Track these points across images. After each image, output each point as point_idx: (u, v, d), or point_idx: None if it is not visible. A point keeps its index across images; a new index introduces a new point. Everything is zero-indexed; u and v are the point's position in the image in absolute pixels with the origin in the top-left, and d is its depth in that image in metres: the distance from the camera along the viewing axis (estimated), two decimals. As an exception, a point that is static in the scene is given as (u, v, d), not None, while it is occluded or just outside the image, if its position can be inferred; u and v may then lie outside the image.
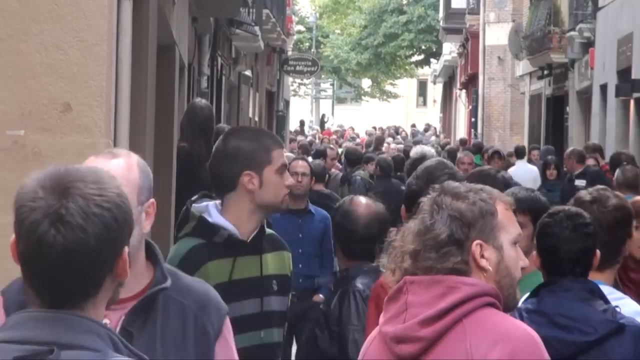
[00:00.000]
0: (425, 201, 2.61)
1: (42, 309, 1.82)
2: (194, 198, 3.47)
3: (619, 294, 3.69)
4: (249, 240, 3.42)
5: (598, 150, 13.64)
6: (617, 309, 3.42)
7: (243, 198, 3.39)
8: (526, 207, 3.86)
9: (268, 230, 3.52)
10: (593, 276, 3.53)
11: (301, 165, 8.08)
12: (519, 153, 16.42)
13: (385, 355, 2.54)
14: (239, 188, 3.39)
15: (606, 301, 3.43)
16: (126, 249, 1.87)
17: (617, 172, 8.62)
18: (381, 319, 2.57)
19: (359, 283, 4.04)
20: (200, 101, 7.53)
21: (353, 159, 13.70)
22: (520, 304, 3.43)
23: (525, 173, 13.92)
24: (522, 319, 3.27)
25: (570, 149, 13.08)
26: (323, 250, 7.72)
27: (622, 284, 4.09)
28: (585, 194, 3.83)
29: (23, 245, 1.81)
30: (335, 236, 4.34)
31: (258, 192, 3.40)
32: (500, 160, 11.21)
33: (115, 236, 1.83)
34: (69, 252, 1.79)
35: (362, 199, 4.37)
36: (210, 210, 3.41)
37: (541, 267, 3.56)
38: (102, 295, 1.86)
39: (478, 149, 17.44)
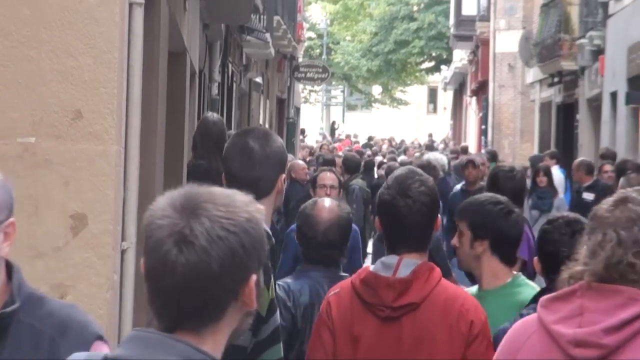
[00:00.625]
0: (614, 212, 2.66)
1: (153, 330, 1.76)
2: None
3: None
4: None
5: (613, 157, 13.51)
6: None
7: (272, 202, 3.26)
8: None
9: None
10: None
11: (329, 178, 7.95)
12: (553, 157, 16.15)
13: (555, 354, 2.59)
14: (273, 192, 3.25)
15: None
16: (254, 277, 1.78)
17: (622, 180, 8.65)
18: (546, 315, 2.62)
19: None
20: (212, 115, 7.44)
21: (351, 166, 13.31)
22: (523, 309, 3.58)
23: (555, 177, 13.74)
24: None
25: (579, 159, 12.94)
26: (353, 264, 7.57)
27: None
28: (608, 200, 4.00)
29: (148, 263, 1.76)
30: (298, 240, 4.32)
31: (279, 195, 3.29)
32: (475, 169, 10.81)
33: (241, 262, 1.75)
34: (189, 273, 1.72)
35: (326, 203, 4.30)
36: None
37: (542, 273, 3.71)
38: (224, 323, 1.77)
39: (493, 157, 17.37)
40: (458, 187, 11.30)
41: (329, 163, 13.24)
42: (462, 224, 3.99)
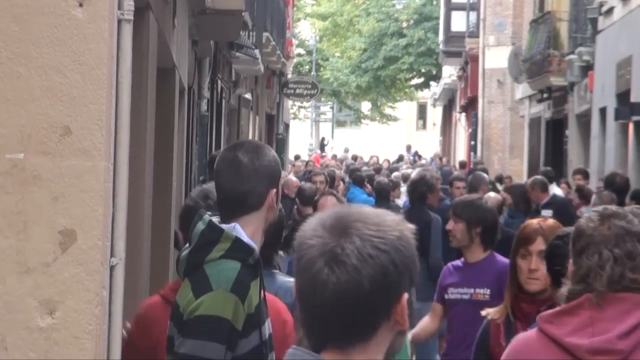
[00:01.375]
0: (600, 229, 2.83)
1: (301, 349, 1.76)
2: (209, 218, 3.22)
3: None
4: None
5: (582, 172, 13.59)
6: None
7: (262, 217, 3.25)
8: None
9: None
10: None
11: (330, 202, 7.95)
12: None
13: None
14: (263, 207, 3.23)
15: None
16: (406, 295, 1.76)
17: (594, 197, 8.94)
18: (554, 329, 2.79)
19: None
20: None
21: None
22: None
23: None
24: None
25: (532, 178, 12.92)
26: None
27: (513, 316, 4.13)
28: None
29: (299, 283, 1.76)
30: None
31: (271, 210, 3.27)
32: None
33: (392, 280, 1.73)
34: (341, 292, 1.71)
35: None
36: (239, 231, 3.23)
37: (551, 286, 4.02)
38: (375, 342, 1.76)
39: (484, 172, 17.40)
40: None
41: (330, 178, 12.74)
42: None
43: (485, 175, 11.98)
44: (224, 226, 3.19)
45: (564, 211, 10.63)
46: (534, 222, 4.27)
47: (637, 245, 2.80)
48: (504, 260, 5.37)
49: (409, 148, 42.14)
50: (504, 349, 3.43)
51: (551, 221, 4.30)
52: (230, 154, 3.26)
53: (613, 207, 2.94)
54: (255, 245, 3.21)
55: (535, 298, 4.16)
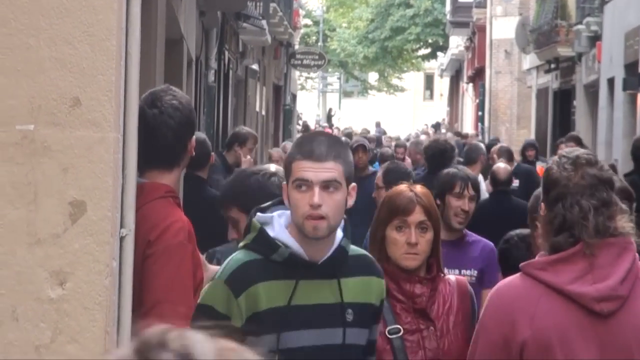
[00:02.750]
0: (573, 178, 2.84)
1: None
2: (264, 205, 3.06)
3: None
4: (320, 262, 2.96)
5: (574, 139, 13.52)
6: None
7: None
8: None
9: (357, 251, 3.10)
10: None
11: None
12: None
13: (576, 312, 2.81)
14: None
15: None
16: None
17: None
18: (553, 277, 2.81)
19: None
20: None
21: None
22: None
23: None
24: None
25: (497, 146, 12.83)
26: None
27: (390, 297, 3.51)
28: None
29: None
30: None
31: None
32: (364, 154, 9.78)
33: None
34: None
35: None
36: (275, 222, 2.98)
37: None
38: None
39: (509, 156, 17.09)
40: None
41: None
42: None
43: (481, 145, 11.67)
44: (259, 215, 3.00)
45: (530, 180, 10.55)
46: (404, 189, 3.63)
47: (610, 193, 2.84)
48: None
49: (378, 124, 40.87)
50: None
51: (421, 187, 3.68)
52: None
53: (582, 152, 2.93)
54: (295, 243, 2.94)
55: (413, 276, 3.59)
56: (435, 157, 8.48)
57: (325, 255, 2.97)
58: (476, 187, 5.49)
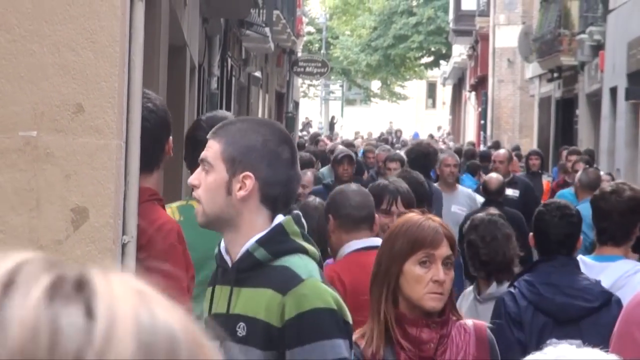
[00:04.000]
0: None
1: None
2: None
3: (632, 263, 4.50)
4: (231, 266, 2.69)
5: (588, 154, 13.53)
6: (599, 281, 4.26)
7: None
8: None
9: (285, 261, 2.63)
10: (612, 251, 4.47)
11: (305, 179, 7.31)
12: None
13: None
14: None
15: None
16: None
17: (581, 173, 9.05)
18: None
19: None
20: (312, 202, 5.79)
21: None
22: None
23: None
24: (534, 287, 4.17)
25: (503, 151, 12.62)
26: None
27: (395, 344, 3.03)
28: (606, 186, 4.82)
29: None
30: None
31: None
32: (350, 166, 9.25)
33: None
34: None
35: None
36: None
37: (535, 246, 4.50)
38: None
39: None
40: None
41: (307, 164, 9.94)
42: None
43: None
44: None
45: (530, 193, 10.38)
46: (422, 218, 3.10)
47: None
48: None
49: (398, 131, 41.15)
50: None
51: (439, 219, 3.20)
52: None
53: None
54: (222, 244, 2.75)
55: (419, 318, 3.03)
56: (419, 160, 8.30)
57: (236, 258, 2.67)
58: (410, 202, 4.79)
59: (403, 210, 4.49)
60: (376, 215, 4.39)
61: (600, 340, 3.20)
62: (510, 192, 9.75)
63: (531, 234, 4.50)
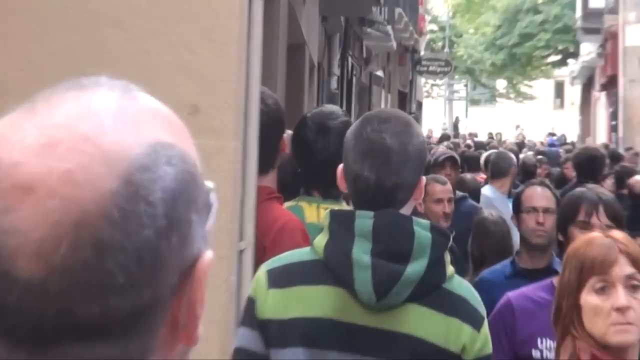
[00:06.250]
0: None
1: None
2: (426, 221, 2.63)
3: None
4: None
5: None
6: None
7: (408, 212, 2.65)
8: None
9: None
10: None
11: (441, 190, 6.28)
12: None
13: None
14: (409, 202, 2.57)
15: None
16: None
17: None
18: None
19: None
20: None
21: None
22: None
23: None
24: None
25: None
26: None
27: None
28: None
29: None
30: None
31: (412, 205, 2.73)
32: (453, 170, 7.52)
33: None
34: None
35: None
36: None
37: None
38: None
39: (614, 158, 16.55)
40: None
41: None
42: None
43: (512, 155, 9.74)
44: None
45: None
46: (599, 238, 2.63)
47: None
48: None
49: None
50: None
51: (620, 233, 2.73)
52: (374, 134, 2.48)
53: None
54: None
55: (618, 348, 2.55)
56: (587, 165, 7.81)
57: None
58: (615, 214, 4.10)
59: (608, 223, 3.77)
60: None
61: None
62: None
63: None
